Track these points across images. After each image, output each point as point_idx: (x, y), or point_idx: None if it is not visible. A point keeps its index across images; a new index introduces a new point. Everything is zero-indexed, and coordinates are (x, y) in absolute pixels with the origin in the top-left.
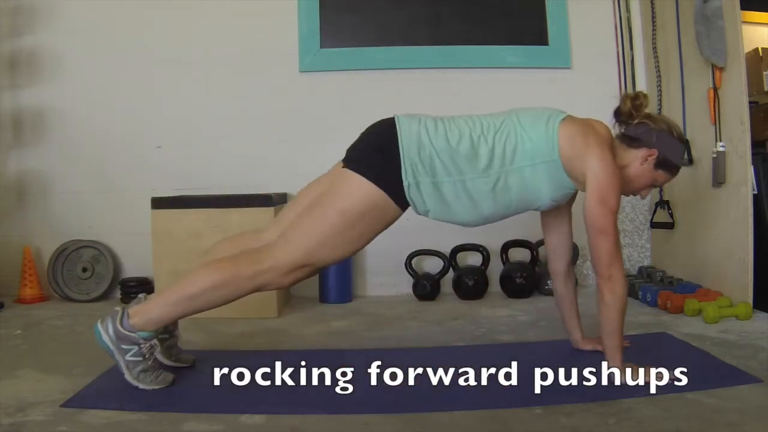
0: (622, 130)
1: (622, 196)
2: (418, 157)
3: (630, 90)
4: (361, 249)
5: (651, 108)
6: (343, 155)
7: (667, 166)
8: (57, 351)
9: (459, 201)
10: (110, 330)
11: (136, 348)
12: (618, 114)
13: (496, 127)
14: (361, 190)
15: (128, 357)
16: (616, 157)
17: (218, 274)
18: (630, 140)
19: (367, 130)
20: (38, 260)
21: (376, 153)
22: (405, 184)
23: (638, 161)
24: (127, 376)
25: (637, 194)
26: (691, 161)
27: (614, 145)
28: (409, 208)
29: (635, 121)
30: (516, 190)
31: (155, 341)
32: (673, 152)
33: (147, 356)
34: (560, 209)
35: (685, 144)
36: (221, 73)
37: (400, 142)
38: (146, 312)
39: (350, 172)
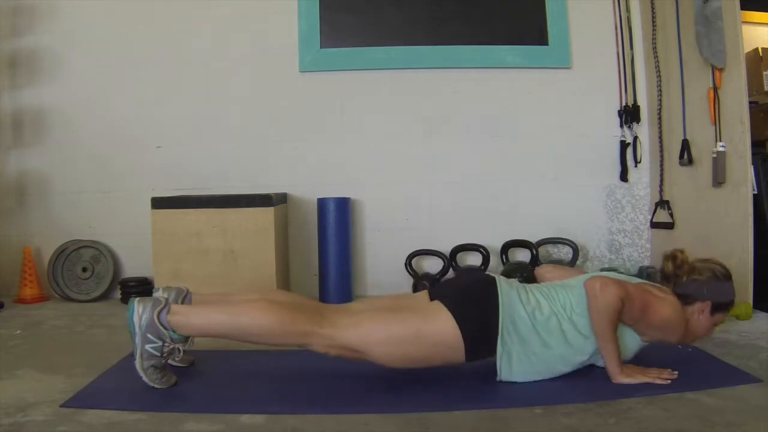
0: (674, 289)
1: None
2: (513, 326)
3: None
4: (408, 368)
5: (652, 110)
6: (342, 156)
7: (722, 307)
8: (57, 351)
9: (542, 366)
10: (145, 316)
11: (159, 344)
12: (664, 277)
13: (572, 307)
14: (447, 326)
15: (148, 347)
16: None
17: (278, 318)
18: (683, 298)
19: (469, 279)
20: (38, 260)
21: (475, 307)
22: (498, 351)
23: (695, 314)
24: (138, 363)
25: (703, 338)
26: (691, 161)
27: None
28: None
29: (684, 278)
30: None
31: (179, 347)
32: (724, 295)
33: (164, 355)
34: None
35: (730, 278)
36: (221, 73)
37: (500, 309)
38: (189, 315)
39: (444, 308)
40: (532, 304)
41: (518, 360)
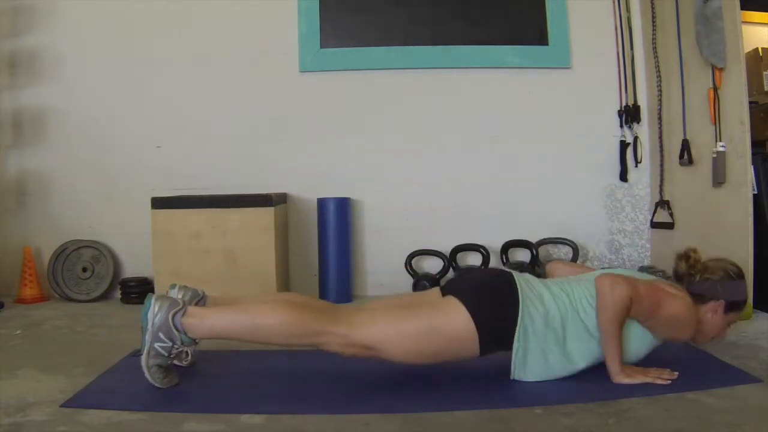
0: (688, 289)
1: None
2: (530, 322)
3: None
4: (422, 364)
5: (652, 110)
6: (342, 156)
7: (735, 307)
8: (57, 351)
9: (558, 363)
10: (160, 316)
11: (169, 344)
12: (677, 277)
13: (586, 307)
14: (460, 320)
15: (157, 345)
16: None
17: (294, 317)
18: (697, 297)
19: (484, 276)
20: (38, 260)
21: (490, 302)
22: (515, 347)
23: (709, 314)
24: (144, 359)
25: (716, 339)
26: (690, 161)
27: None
28: None
29: (696, 278)
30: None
31: (189, 351)
32: (737, 294)
33: (171, 355)
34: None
35: (743, 277)
36: (221, 73)
37: (520, 303)
38: (204, 317)
39: (458, 302)
40: (546, 302)
41: (533, 357)
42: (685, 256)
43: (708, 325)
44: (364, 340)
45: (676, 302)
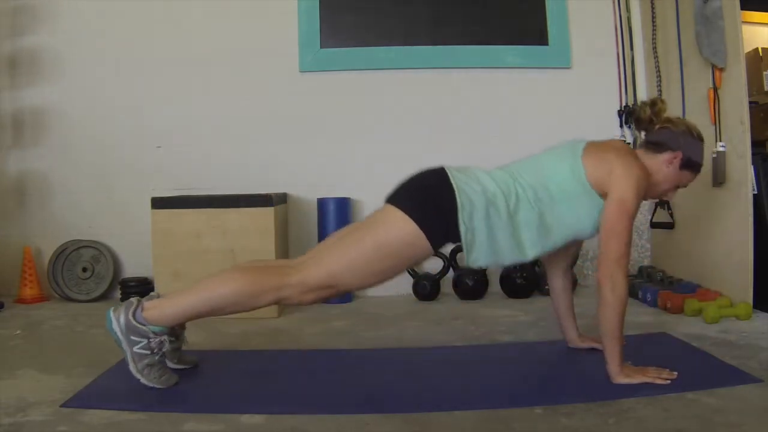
0: (645, 137)
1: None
2: (469, 202)
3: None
4: (385, 282)
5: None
6: (342, 156)
7: (691, 165)
8: (57, 351)
9: (507, 247)
10: (121, 319)
11: (145, 341)
12: (639, 122)
13: (529, 181)
14: (401, 225)
15: (136, 349)
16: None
17: (244, 279)
18: (654, 146)
19: (415, 176)
20: (38, 260)
21: (424, 196)
22: (461, 230)
23: (664, 165)
24: (132, 368)
25: (664, 197)
26: None
27: (638, 155)
28: None
29: (656, 126)
30: (558, 226)
31: (165, 338)
32: (695, 152)
33: (155, 351)
34: None
35: (703, 141)
36: (221, 73)
37: (455, 187)
38: (162, 306)
39: (393, 208)
40: (482, 180)
41: (480, 237)
42: (652, 103)
43: (660, 176)
44: (320, 280)
45: (630, 180)
